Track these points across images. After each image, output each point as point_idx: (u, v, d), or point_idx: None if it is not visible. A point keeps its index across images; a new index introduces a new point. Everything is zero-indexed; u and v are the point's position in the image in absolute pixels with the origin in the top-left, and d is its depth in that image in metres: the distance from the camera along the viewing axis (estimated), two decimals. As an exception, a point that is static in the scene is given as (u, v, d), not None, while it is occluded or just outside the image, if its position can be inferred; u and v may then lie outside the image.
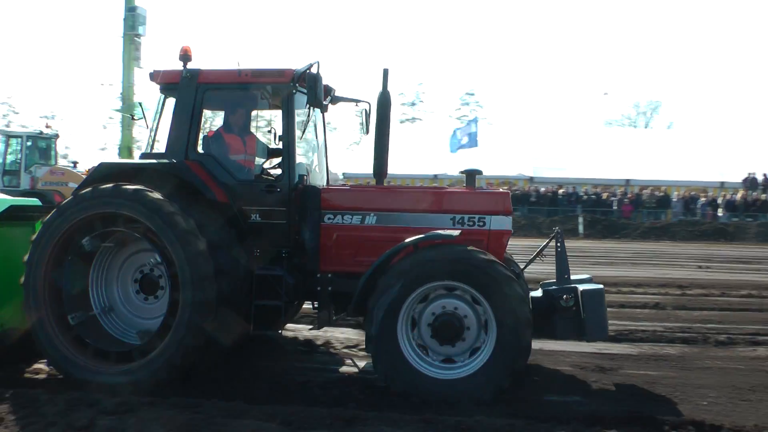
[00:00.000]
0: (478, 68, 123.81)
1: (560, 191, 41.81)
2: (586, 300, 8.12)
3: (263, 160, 9.25)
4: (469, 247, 7.69)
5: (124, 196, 7.66)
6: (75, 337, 7.81)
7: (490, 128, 52.04)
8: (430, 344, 7.65)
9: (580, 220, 36.61)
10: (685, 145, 43.82)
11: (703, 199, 40.21)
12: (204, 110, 8.71)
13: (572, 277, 8.54)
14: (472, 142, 31.50)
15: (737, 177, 41.72)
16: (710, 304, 13.85)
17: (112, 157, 45.11)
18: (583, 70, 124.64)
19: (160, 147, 9.00)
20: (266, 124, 10.14)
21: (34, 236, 7.78)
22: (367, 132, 9.06)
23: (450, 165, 38.54)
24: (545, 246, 9.15)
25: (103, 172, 8.21)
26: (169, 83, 8.65)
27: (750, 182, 40.69)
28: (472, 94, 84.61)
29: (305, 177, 8.61)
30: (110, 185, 7.75)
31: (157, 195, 7.67)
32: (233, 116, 8.85)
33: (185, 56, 8.52)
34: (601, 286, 8.46)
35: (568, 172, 44.08)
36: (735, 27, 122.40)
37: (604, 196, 41.15)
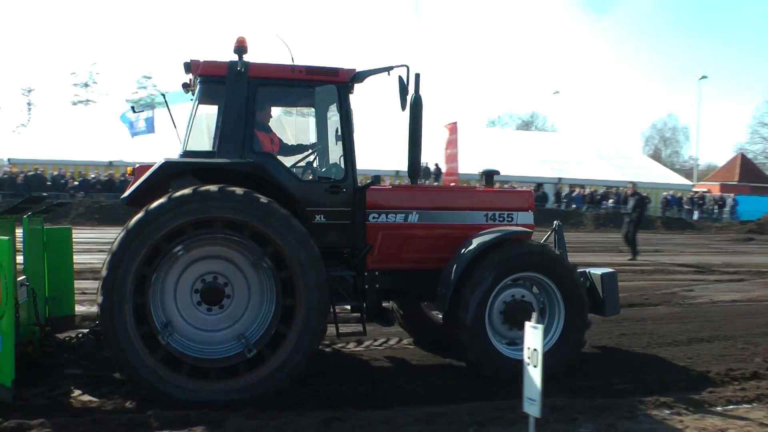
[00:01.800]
0: (154, 50, 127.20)
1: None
2: (606, 281, 9.38)
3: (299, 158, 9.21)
4: (542, 242, 9.27)
5: (232, 200, 7.36)
6: (164, 357, 7.35)
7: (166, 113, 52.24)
8: (500, 329, 8.68)
9: None
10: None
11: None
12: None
13: None
14: (149, 128, 31.05)
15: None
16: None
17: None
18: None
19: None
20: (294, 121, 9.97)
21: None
22: (404, 106, 8.43)
23: (127, 152, 36.73)
24: (546, 238, 9.97)
25: (168, 171, 7.81)
26: (213, 76, 8.25)
27: (423, 171, 40.60)
28: (150, 77, 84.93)
29: (379, 179, 8.94)
30: (215, 188, 7.38)
31: (266, 198, 7.48)
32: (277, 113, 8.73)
33: (241, 48, 8.07)
34: (614, 270, 9.76)
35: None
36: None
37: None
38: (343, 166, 8.60)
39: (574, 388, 8.21)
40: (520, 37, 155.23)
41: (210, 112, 8.65)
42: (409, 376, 8.75)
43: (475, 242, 8.60)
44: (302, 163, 9.10)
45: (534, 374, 5.90)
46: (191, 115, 8.37)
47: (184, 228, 7.34)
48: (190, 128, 8.34)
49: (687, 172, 77.80)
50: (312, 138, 9.36)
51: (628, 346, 10.80)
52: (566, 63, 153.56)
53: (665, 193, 50.65)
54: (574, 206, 47.12)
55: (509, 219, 9.38)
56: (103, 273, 7.17)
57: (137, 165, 8.76)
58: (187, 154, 8.14)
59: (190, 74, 8.42)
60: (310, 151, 9.26)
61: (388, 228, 8.80)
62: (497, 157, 48.69)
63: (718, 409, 7.74)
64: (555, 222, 9.98)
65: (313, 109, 9.13)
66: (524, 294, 8.77)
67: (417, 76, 8.33)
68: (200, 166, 7.96)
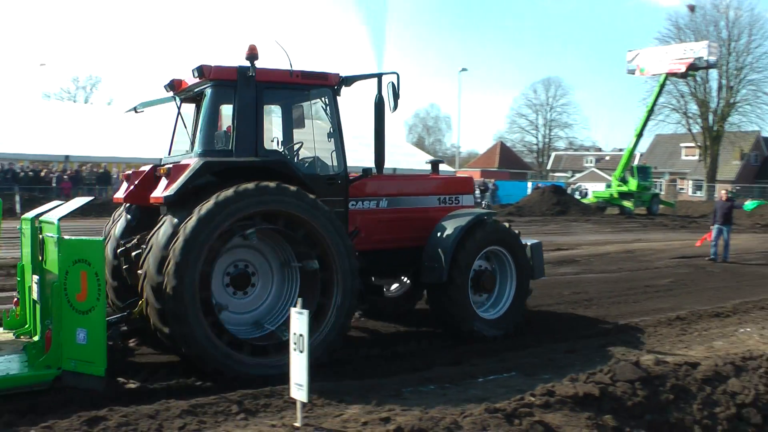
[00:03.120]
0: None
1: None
2: (534, 251, 10.96)
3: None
4: (505, 223, 10.85)
5: (287, 194, 8.23)
6: (231, 338, 8.04)
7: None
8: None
9: (17, 198, 33.21)
10: (125, 122, 43.13)
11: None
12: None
13: None
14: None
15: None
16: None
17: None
18: (18, 39, 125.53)
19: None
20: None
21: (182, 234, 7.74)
22: (396, 108, 9.61)
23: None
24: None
25: (209, 170, 8.43)
26: (224, 80, 8.80)
27: None
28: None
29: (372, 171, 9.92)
30: (273, 184, 8.16)
31: (312, 195, 8.47)
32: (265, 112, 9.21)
33: (252, 55, 8.80)
34: (540, 241, 11.44)
35: (3, 147, 41.90)
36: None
37: (43, 172, 40.29)
38: (335, 160, 9.59)
39: (341, 372, 8.27)
40: (289, 20, 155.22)
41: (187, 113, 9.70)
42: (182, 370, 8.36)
43: (456, 223, 10.04)
44: (303, 159, 9.82)
45: (301, 360, 5.81)
46: (204, 116, 8.94)
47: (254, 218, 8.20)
48: (202, 129, 8.92)
49: (450, 160, 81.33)
50: (308, 135, 10.03)
51: (387, 326, 11.10)
52: (332, 49, 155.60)
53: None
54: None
55: (456, 201, 11.01)
56: (175, 257, 7.66)
57: (132, 170, 9.77)
58: (206, 153, 8.70)
59: (201, 78, 8.83)
60: (303, 146, 9.94)
61: (364, 213, 9.84)
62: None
63: (480, 380, 8.08)
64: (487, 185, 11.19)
65: (308, 110, 10.09)
66: (482, 264, 10.35)
67: (380, 78, 9.71)
68: (235, 165, 8.58)
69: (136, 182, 9.56)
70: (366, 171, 9.82)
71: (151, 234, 8.31)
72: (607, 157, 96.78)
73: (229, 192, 7.94)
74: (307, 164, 9.58)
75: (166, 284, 7.66)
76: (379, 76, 9.80)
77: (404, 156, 56.41)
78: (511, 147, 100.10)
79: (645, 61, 30.12)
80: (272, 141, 9.79)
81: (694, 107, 69.32)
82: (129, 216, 9.78)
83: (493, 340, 9.93)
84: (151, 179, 9.29)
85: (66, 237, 7.44)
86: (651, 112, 43.50)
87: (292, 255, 8.70)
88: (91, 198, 10.72)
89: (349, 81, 9.75)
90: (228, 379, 7.63)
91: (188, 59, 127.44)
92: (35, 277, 8.18)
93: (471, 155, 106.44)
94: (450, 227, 9.96)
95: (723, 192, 23.09)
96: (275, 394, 6.92)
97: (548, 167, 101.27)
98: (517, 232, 10.74)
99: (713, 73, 65.37)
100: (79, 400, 6.86)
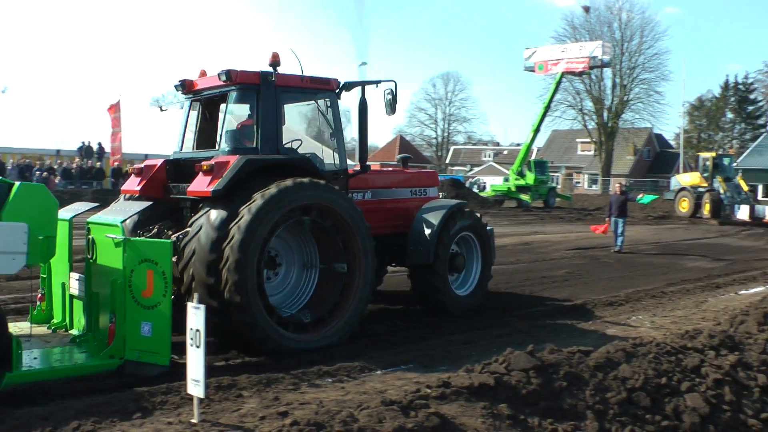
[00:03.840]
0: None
1: None
2: (490, 236, 12.62)
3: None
4: (476, 213, 12.59)
5: (322, 188, 9.27)
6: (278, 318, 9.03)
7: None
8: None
9: None
10: (20, 112, 43.29)
11: (38, 166, 38.50)
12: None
13: None
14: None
15: (72, 145, 44.03)
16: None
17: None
18: None
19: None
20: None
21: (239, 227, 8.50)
22: (393, 112, 11.05)
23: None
24: None
25: (250, 167, 9.13)
26: (248, 83, 9.70)
27: (85, 151, 42.37)
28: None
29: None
30: (322, 181, 9.39)
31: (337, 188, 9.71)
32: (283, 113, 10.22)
33: (275, 62, 9.82)
34: (492, 227, 12.96)
35: None
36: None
37: None
38: (337, 157, 10.63)
39: (238, 366, 8.15)
40: (184, 12, 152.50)
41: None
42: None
43: (437, 212, 11.52)
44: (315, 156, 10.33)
45: (197, 355, 5.68)
46: (231, 116, 9.95)
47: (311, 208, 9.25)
48: (230, 128, 9.86)
49: (350, 153, 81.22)
50: (315, 133, 11.21)
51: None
52: (232, 42, 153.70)
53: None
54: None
55: (424, 193, 12.39)
56: (236, 241, 8.43)
57: (144, 165, 10.35)
58: (235, 150, 9.51)
59: (227, 81, 9.63)
60: (312, 145, 10.80)
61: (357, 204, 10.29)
62: (165, 136, 47.54)
63: (378, 372, 8.05)
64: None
65: (315, 111, 10.87)
66: (454, 248, 11.77)
67: (363, 85, 11.00)
68: (271, 162, 9.50)
69: (150, 176, 10.16)
70: (364, 167, 10.96)
71: (192, 221, 9.01)
72: (505, 152, 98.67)
73: (287, 183, 8.92)
74: (319, 161, 10.18)
75: (228, 264, 8.43)
76: (377, 83, 10.96)
77: (304, 151, 56.25)
78: (411, 141, 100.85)
79: (542, 59, 30.66)
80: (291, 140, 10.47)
81: (589, 104, 71.44)
82: (118, 205, 10.02)
83: (466, 313, 11.46)
84: (162, 174, 10.21)
85: (132, 239, 8.28)
86: (548, 108, 44.44)
87: (317, 257, 9.84)
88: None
89: (349, 86, 10.91)
90: (284, 356, 8.58)
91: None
92: (75, 275, 8.68)
93: (371, 149, 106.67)
94: (432, 216, 11.44)
95: (617, 186, 23.84)
96: (172, 391, 6.81)
97: (447, 161, 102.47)
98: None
99: (607, 72, 67.57)
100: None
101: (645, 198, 31.51)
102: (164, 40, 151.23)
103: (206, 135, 10.53)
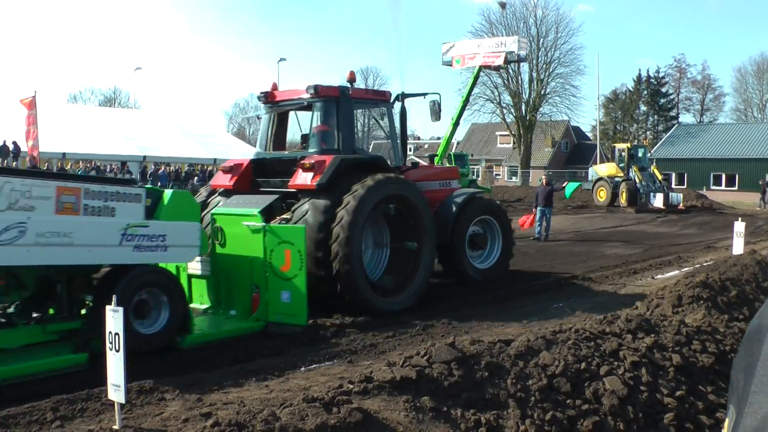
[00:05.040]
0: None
1: None
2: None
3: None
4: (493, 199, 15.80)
5: (403, 182, 11.83)
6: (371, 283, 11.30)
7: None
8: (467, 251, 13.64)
9: None
10: None
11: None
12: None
13: None
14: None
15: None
16: None
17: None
18: None
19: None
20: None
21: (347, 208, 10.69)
22: (438, 119, 14.47)
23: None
24: None
25: (344, 164, 11.24)
26: (330, 96, 11.87)
27: (1, 150, 40.22)
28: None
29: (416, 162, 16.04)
30: (402, 175, 12.22)
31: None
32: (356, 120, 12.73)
33: (351, 79, 12.41)
34: None
35: None
36: None
37: None
38: (395, 155, 13.14)
39: (161, 368, 7.93)
40: (99, 8, 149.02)
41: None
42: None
43: (455, 200, 13.46)
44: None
45: (116, 359, 5.52)
46: (319, 121, 12.09)
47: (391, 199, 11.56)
48: (318, 132, 12.02)
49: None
50: (379, 136, 14.52)
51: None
52: (147, 38, 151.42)
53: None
54: (159, 184, 46.30)
55: (449, 185, 14.14)
56: (345, 221, 10.55)
57: (233, 163, 12.51)
58: (323, 150, 11.70)
59: (315, 94, 11.77)
60: (377, 145, 14.46)
61: None
62: (80, 135, 46.18)
63: (302, 369, 7.98)
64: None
65: (375, 117, 13.85)
66: (476, 229, 13.92)
67: (401, 96, 13.50)
68: (357, 161, 11.74)
69: (239, 173, 12.19)
70: (414, 164, 14.05)
71: (296, 208, 11.00)
72: (426, 145, 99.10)
73: (379, 176, 11.17)
74: (388, 159, 12.69)
75: (339, 240, 10.52)
76: (425, 95, 14.03)
77: (226, 146, 55.45)
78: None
79: (459, 53, 30.84)
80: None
81: (507, 98, 72.28)
82: (226, 198, 12.10)
83: (482, 282, 13.48)
84: (249, 171, 12.33)
85: (271, 225, 10.36)
86: (466, 102, 44.65)
87: (388, 236, 12.06)
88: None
89: (402, 97, 13.53)
90: (377, 315, 10.70)
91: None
92: (198, 257, 9.83)
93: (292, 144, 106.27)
94: (453, 203, 13.39)
95: (544, 177, 24.27)
96: (92, 397, 6.62)
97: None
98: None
99: (524, 67, 68.39)
100: None
101: (569, 187, 32.04)
102: (79, 37, 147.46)
103: (280, 138, 13.05)
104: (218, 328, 9.79)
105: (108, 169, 41.15)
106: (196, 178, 46.90)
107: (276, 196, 11.50)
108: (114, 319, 5.58)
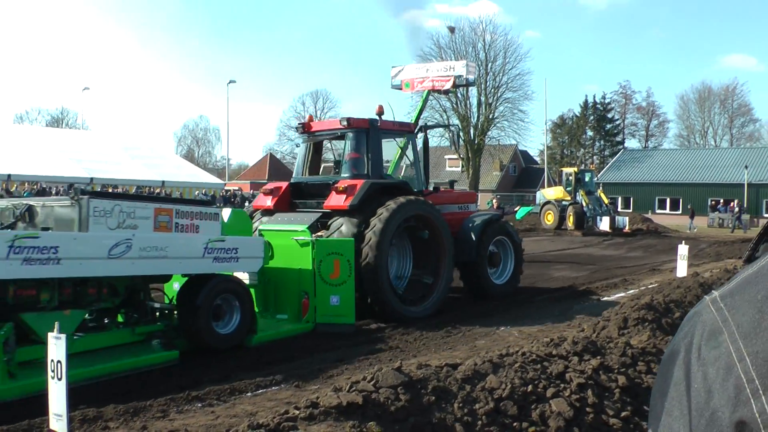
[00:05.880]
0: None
1: None
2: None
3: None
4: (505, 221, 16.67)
5: (424, 203, 13.30)
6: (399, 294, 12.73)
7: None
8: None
9: None
10: None
11: None
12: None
13: None
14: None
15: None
16: None
17: None
18: None
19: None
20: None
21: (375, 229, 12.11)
22: (458, 149, 22.64)
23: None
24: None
25: (373, 187, 12.68)
26: (361, 127, 13.41)
27: None
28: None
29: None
30: (413, 198, 13.14)
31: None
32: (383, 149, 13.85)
33: (380, 112, 14.13)
34: None
35: None
36: None
37: None
38: (418, 180, 14.48)
39: (104, 395, 7.75)
40: (46, 28, 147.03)
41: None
42: None
43: (477, 221, 14.92)
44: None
45: (59, 388, 5.37)
46: (350, 150, 13.60)
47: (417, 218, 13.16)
48: (350, 159, 13.55)
49: (220, 171, 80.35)
50: (401, 163, 15.59)
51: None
52: (96, 58, 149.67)
53: (197, 192, 51.46)
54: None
55: (467, 208, 15.76)
56: (373, 242, 11.90)
57: (272, 186, 14.19)
58: (355, 175, 13.21)
59: (347, 125, 13.42)
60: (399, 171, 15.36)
61: None
62: (26, 156, 45.24)
63: (248, 395, 7.87)
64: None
65: (401, 146, 15.19)
66: (493, 248, 15.21)
67: (424, 127, 16.16)
68: (384, 185, 13.20)
69: (279, 195, 13.74)
70: (436, 188, 15.43)
71: (330, 223, 12.40)
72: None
73: (401, 199, 12.57)
74: (411, 184, 14.09)
75: (368, 260, 11.89)
76: (446, 126, 17.03)
77: (174, 169, 54.85)
78: (281, 159, 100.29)
79: (409, 77, 31.03)
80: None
81: (456, 122, 72.87)
82: (269, 216, 13.45)
83: (502, 296, 14.91)
84: (288, 193, 13.94)
85: (319, 238, 11.74)
86: (415, 125, 45.19)
87: (411, 252, 13.64)
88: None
89: (424, 128, 16.02)
90: (405, 323, 11.99)
91: None
92: None
93: (241, 167, 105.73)
94: (475, 225, 14.77)
95: (495, 200, 24.48)
96: (34, 428, 6.47)
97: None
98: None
99: (473, 91, 69.13)
100: None
101: (520, 211, 32.34)
102: (25, 56, 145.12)
103: (314, 164, 14.72)
104: (276, 329, 11.24)
105: (54, 191, 40.34)
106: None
107: (318, 215, 12.74)
108: (56, 346, 5.46)
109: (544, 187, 51.34)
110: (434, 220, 13.22)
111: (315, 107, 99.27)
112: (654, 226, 42.80)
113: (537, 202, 44.58)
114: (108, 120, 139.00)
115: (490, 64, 72.51)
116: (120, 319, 9.82)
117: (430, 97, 44.10)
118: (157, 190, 46.69)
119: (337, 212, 12.45)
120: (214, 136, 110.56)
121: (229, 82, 71.80)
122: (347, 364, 9.33)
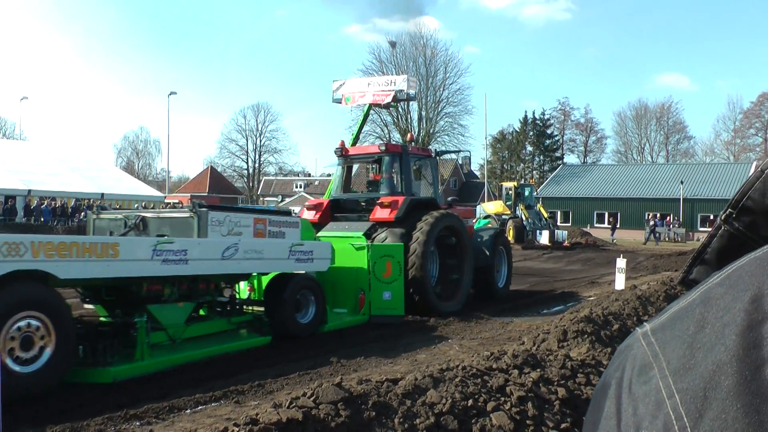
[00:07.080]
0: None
1: None
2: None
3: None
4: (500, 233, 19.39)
5: (454, 216, 15.94)
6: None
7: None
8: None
9: None
10: None
11: None
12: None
13: None
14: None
15: None
16: None
17: None
18: None
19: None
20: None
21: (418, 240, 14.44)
22: (468, 172, 21.44)
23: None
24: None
25: (412, 203, 15.15)
26: (395, 152, 16.08)
27: None
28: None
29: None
30: (445, 211, 15.81)
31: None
32: (413, 170, 16.32)
33: (412, 139, 19.14)
34: None
35: None
36: None
37: None
38: (437, 197, 16.64)
39: (40, 416, 7.52)
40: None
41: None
42: None
43: (488, 233, 17.68)
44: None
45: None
46: (387, 170, 15.95)
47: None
48: (387, 179, 15.90)
49: (160, 184, 79.24)
50: (423, 183, 17.07)
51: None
52: (34, 68, 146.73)
53: (136, 204, 50.67)
54: (43, 219, 44.57)
55: (470, 222, 18.10)
56: (419, 252, 14.21)
57: (316, 201, 17.02)
58: (392, 193, 15.51)
59: (384, 150, 15.99)
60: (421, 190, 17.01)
61: None
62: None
63: (188, 412, 7.72)
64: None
65: (424, 168, 17.20)
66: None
67: (437, 153, 19.00)
68: (418, 201, 15.67)
69: (321, 210, 16.08)
70: (449, 203, 17.74)
71: (376, 235, 14.60)
72: (316, 182, 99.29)
73: (436, 213, 14.99)
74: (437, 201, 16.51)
75: (415, 266, 14.16)
76: (459, 152, 19.86)
77: (114, 181, 53.91)
78: (222, 172, 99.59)
79: (350, 91, 31.08)
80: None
81: (397, 136, 73.20)
82: (319, 228, 15.25)
83: (504, 297, 17.45)
84: (329, 208, 16.26)
85: (374, 243, 14.02)
86: (357, 139, 45.15)
87: (437, 256, 15.51)
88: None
89: (440, 153, 19.57)
90: (441, 316, 14.19)
91: None
92: None
93: (182, 179, 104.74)
94: (485, 236, 17.45)
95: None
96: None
97: (259, 192, 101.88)
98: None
99: (414, 105, 69.64)
100: None
101: (479, 223, 32.43)
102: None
103: (348, 183, 17.11)
104: (339, 320, 13.20)
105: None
106: (83, 213, 45.21)
107: (369, 225, 14.83)
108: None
109: (484, 201, 51.79)
110: (461, 230, 15.76)
111: (256, 120, 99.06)
112: (592, 239, 43.57)
113: (477, 216, 45.01)
114: (47, 131, 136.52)
115: (431, 79, 73.44)
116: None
117: (372, 111, 44.45)
118: (97, 203, 45.77)
119: (383, 224, 14.70)
120: (154, 148, 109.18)
121: (170, 94, 71.06)
122: (287, 378, 9.22)
